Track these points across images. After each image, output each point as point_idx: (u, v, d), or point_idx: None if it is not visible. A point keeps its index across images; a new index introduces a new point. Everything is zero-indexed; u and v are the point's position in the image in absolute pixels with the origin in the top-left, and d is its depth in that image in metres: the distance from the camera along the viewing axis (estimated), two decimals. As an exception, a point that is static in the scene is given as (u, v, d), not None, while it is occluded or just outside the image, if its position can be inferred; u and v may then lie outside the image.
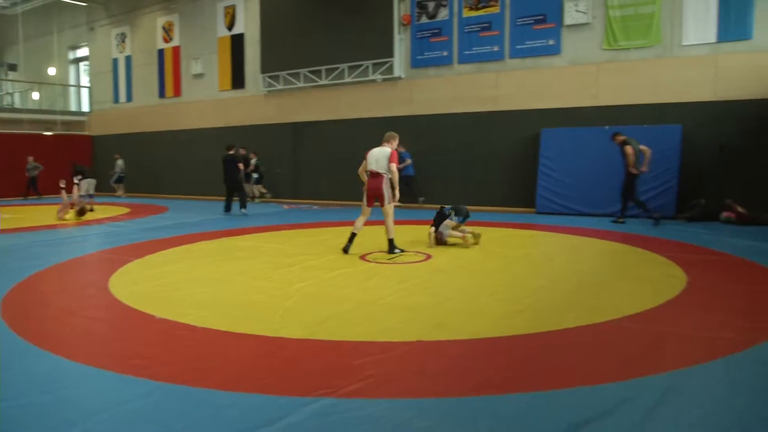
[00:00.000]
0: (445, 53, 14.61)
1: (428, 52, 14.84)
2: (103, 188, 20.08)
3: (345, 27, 15.70)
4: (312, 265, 6.88)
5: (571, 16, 12.94)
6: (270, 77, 17.34)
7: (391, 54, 15.07)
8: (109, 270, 6.68)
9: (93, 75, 22.96)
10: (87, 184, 13.96)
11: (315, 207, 15.69)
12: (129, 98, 21.55)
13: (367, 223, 8.13)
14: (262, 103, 17.78)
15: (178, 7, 19.73)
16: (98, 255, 7.95)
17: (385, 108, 15.53)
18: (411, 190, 14.58)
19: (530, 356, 3.76)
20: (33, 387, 3.28)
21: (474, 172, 14.19)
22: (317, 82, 16.45)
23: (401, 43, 15.14)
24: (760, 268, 6.52)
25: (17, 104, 23.72)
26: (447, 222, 8.52)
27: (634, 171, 10.68)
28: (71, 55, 24.06)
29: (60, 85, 23.94)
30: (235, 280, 6.12)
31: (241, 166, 13.42)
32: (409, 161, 14.52)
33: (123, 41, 21.51)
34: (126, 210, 14.97)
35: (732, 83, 11.41)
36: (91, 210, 13.89)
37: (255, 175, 17.35)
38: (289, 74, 16.94)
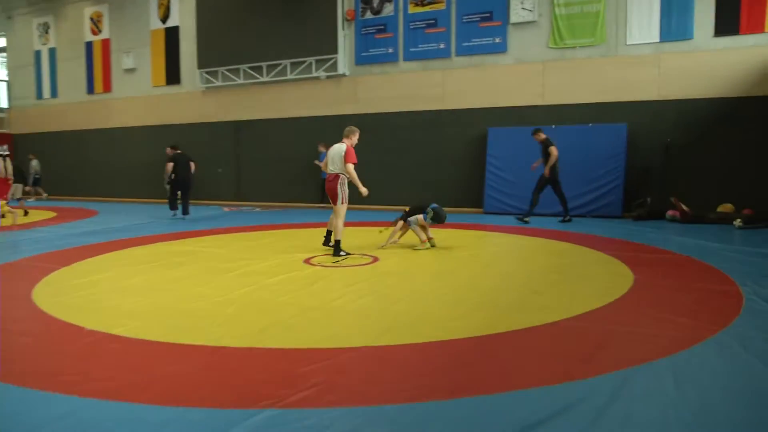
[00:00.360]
0: (390, 50, 14.69)
1: (373, 48, 14.89)
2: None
3: (287, 22, 15.58)
4: (254, 270, 6.79)
5: (517, 14, 13.23)
6: (208, 73, 17.03)
7: (335, 50, 15.04)
8: (33, 279, 6.40)
9: (12, 68, 21.94)
10: (13, 188, 13.55)
11: (257, 209, 15.49)
12: (54, 94, 20.73)
13: (314, 225, 8.07)
14: (200, 100, 17.44)
15: (108, -3, 19.15)
16: (21, 263, 7.61)
17: (330, 106, 15.49)
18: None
19: (480, 359, 3.81)
20: (-53, 408, 3.11)
21: (421, 172, 14.32)
22: (258, 78, 16.26)
23: (345, 39, 15.14)
24: (705, 266, 6.81)
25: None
26: (418, 217, 8.34)
27: (547, 173, 11.05)
28: (-14, 47, 23.03)
29: (-25, 80, 22.86)
30: (172, 287, 5.97)
31: (193, 165, 13.16)
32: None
33: (46, 32, 20.66)
34: (52, 214, 14.40)
35: (675, 82, 11.92)
36: (26, 214, 13.54)
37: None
38: (228, 70, 16.68)
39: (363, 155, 14.83)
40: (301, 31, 15.44)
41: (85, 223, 12.35)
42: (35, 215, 14.03)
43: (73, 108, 20.13)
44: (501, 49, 13.50)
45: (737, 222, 10.19)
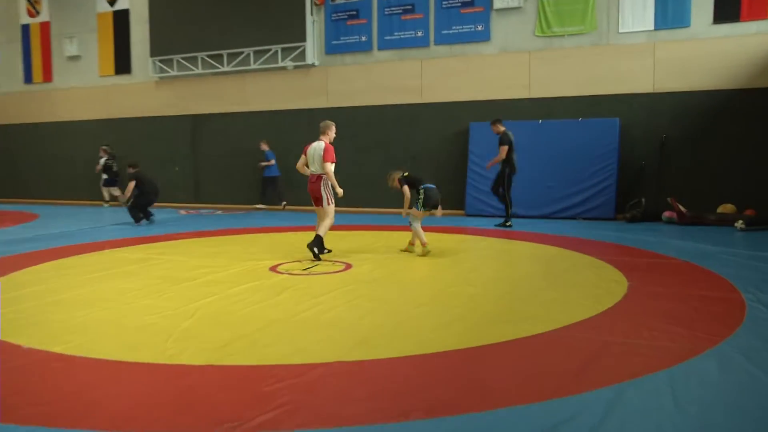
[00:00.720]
0: (363, 38, 14.71)
1: (345, 36, 14.89)
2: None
3: (250, 5, 15.52)
4: (214, 280, 6.73)
5: (501, -1, 13.35)
6: (162, 62, 16.86)
7: (303, 38, 15.01)
8: (-37, 291, 6.26)
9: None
10: None
11: (218, 212, 15.37)
12: (-15, 84, 20.33)
13: (282, 229, 8.03)
14: (153, 91, 17.26)
15: (47, -24, 18.85)
16: (-50, 273, 7.44)
17: (298, 99, 15.45)
18: (275, 192, 15.37)
19: (461, 374, 3.81)
20: None
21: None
22: (218, 68, 16.15)
23: (314, 25, 15.11)
24: (704, 271, 6.92)
25: None
26: (413, 212, 8.19)
27: (490, 165, 11.23)
28: None
29: None
30: (122, 299, 5.89)
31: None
32: (273, 161, 15.15)
33: (-26, 13, 20.25)
34: (-15, 219, 14.12)
35: (671, 73, 12.12)
36: None
37: (104, 176, 17.04)
38: (184, 59, 16.53)
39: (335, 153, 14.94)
40: (265, 17, 15.37)
41: (23, 228, 12.12)
42: (-33, 220, 13.75)
43: (8, 99, 19.70)
44: (484, 37, 13.59)
45: (739, 224, 10.38)
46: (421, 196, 8.15)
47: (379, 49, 14.61)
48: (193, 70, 16.49)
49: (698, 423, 3.07)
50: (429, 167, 13.94)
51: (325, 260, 7.89)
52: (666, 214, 11.58)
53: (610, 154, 12.23)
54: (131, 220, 12.50)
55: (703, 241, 9.15)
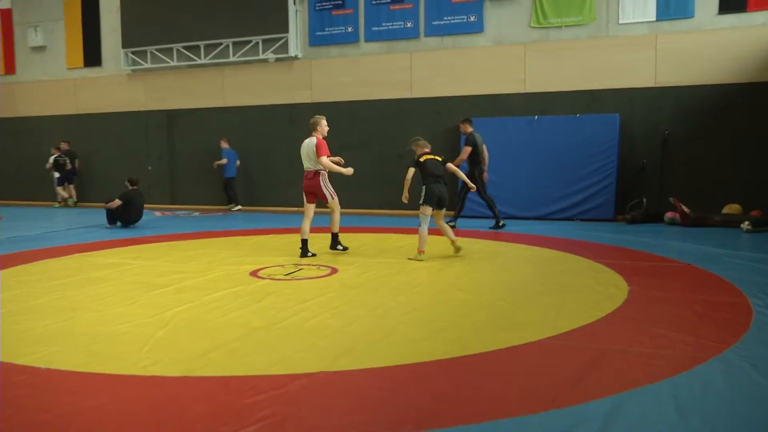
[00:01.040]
0: (349, 29, 14.71)
1: (330, 27, 14.89)
2: None
3: (228, -6, 15.49)
4: (191, 285, 6.71)
5: (495, -13, 13.39)
6: (135, 53, 16.78)
7: (285, 29, 14.98)
8: None
9: None
10: None
11: (196, 213, 15.31)
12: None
13: (263, 231, 8.02)
14: (126, 85, 17.18)
15: (10, -40, 18.72)
16: None
17: (280, 93, 15.43)
18: (226, 194, 15.57)
19: (453, 385, 3.81)
20: None
21: (384, 170, 14.33)
22: (195, 61, 16.10)
23: (297, 15, 15.10)
24: (708, 275, 6.98)
25: None
26: (421, 209, 8.19)
27: (450, 167, 11.23)
28: None
29: None
30: (92, 307, 5.85)
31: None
32: (225, 160, 15.34)
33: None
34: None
35: (673, 66, 12.20)
36: None
37: (56, 174, 17.08)
38: (159, 50, 16.47)
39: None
40: (245, 6, 15.33)
41: (-13, 231, 12.03)
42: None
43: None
44: (477, 28, 13.63)
45: (745, 225, 10.46)
46: (423, 192, 8.23)
47: (366, 40, 14.62)
48: (167, 62, 16.41)
49: (702, 435, 3.10)
50: (419, 166, 13.98)
51: (310, 264, 7.90)
52: (668, 214, 11.65)
53: (610, 152, 12.30)
54: (103, 222, 12.44)
55: (707, 243, 9.22)
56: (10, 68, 18.82)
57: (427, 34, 14.07)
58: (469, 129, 11.41)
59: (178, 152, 16.72)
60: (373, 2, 14.42)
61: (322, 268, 7.69)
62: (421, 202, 8.25)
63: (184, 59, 16.27)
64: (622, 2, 12.54)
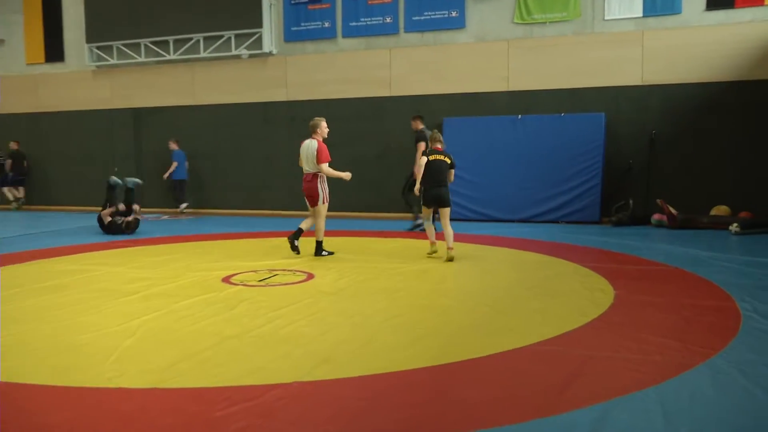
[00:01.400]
0: (326, 24, 14.70)
1: (306, 22, 14.87)
2: None
3: (199, -13, 15.42)
4: (159, 292, 6.66)
5: (477, -18, 13.46)
6: (100, 48, 16.64)
7: (259, 24, 14.94)
8: None
9: None
10: None
11: (165, 217, 15.21)
12: None
13: (235, 236, 7.99)
14: (90, 81, 17.02)
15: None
16: None
17: (253, 91, 15.38)
18: (175, 195, 15.68)
19: (435, 394, 3.82)
20: None
21: (362, 171, 14.25)
22: (164, 56, 16.00)
23: (272, 9, 15.06)
24: (696, 278, 7.06)
25: None
26: (423, 210, 8.90)
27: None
28: None
29: None
30: (53, 316, 5.79)
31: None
32: (175, 165, 15.36)
33: None
34: None
35: (661, 64, 12.33)
36: None
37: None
38: (125, 45, 16.34)
39: (294, 150, 14.72)
40: (216, -1, 15.30)
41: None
42: None
43: None
44: (458, 24, 13.69)
45: (734, 227, 10.59)
46: (421, 195, 8.81)
47: (344, 36, 14.61)
48: (135, 58, 16.29)
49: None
50: (398, 166, 13.96)
51: (285, 270, 7.87)
52: (655, 217, 11.76)
53: (595, 152, 12.39)
54: (60, 228, 12.36)
55: (695, 245, 9.32)
56: (-36, 64, 18.57)
57: (407, 30, 14.10)
58: (420, 125, 11.57)
59: (146, 152, 16.59)
60: (351, -4, 14.44)
61: (297, 273, 7.67)
62: (422, 203, 8.90)
63: (153, 55, 16.15)
64: (607, -2, 12.68)
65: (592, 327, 5.16)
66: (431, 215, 8.91)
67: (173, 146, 15.49)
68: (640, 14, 12.46)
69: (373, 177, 14.19)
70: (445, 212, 8.67)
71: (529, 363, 4.35)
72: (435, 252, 8.77)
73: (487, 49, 13.47)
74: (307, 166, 8.91)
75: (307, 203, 9.05)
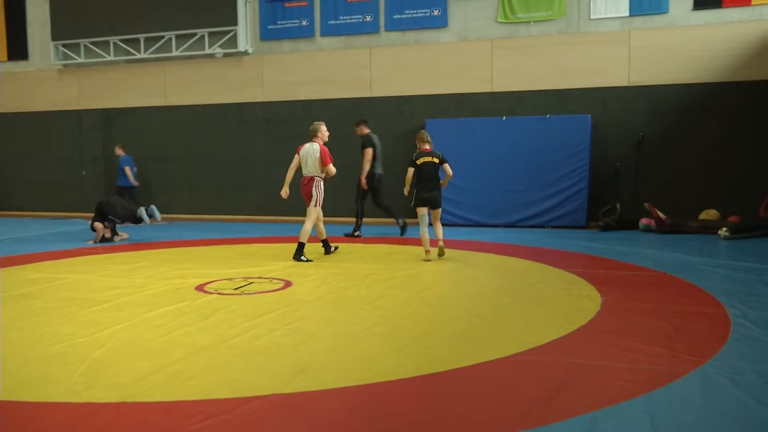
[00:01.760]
0: (304, 22, 14.69)
1: (283, 20, 14.85)
2: None
3: (171, -17, 15.36)
4: (130, 301, 6.62)
5: (459, -21, 13.52)
6: (66, 46, 16.51)
7: (234, 21, 14.90)
8: None
9: None
10: None
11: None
12: None
13: (211, 242, 7.96)
14: (56, 81, 16.88)
15: None
16: None
17: (228, 92, 15.33)
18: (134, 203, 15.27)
19: (417, 405, 3.83)
20: None
21: (343, 175, 14.20)
22: (134, 55, 15.91)
23: (248, 6, 15.03)
24: (685, 284, 7.13)
25: None
26: (418, 212, 9.14)
27: (364, 183, 11.75)
28: None
29: None
30: (18, 326, 5.73)
31: None
32: (129, 168, 15.26)
33: None
34: None
35: (648, 65, 12.45)
36: None
37: None
38: (93, 43, 16.22)
39: (271, 152, 14.90)
40: (189, -4, 15.25)
41: None
42: None
43: None
44: (441, 23, 13.74)
45: (723, 231, 10.70)
46: (414, 196, 9.22)
47: (323, 35, 14.61)
48: (103, 57, 16.18)
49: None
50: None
51: (262, 278, 7.85)
52: (643, 221, 11.85)
53: (581, 155, 12.47)
54: (25, 234, 12.24)
55: (683, 251, 9.42)
56: None
57: (387, 29, 14.13)
58: (366, 130, 11.79)
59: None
60: (330, -7, 14.45)
61: (274, 281, 7.65)
62: (412, 205, 9.25)
63: (122, 53, 16.05)
64: (593, -4, 12.79)
65: (579, 335, 5.19)
66: (426, 216, 9.16)
67: (119, 151, 15.33)
68: (627, 13, 12.56)
69: (353, 181, 14.14)
70: (436, 214, 9.22)
71: (513, 373, 4.37)
72: (429, 261, 8.96)
73: (471, 49, 13.53)
74: (308, 169, 9.27)
75: (307, 204, 9.42)
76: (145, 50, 15.80)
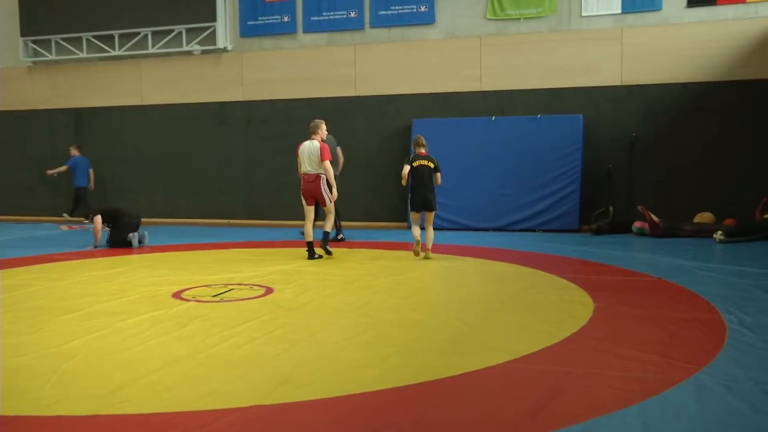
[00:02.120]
0: (286, 18, 14.68)
1: (263, 16, 14.84)
2: None
3: (146, -23, 15.32)
4: (103, 310, 6.58)
5: (447, -26, 13.55)
6: (36, 43, 16.43)
7: (212, 17, 14.88)
8: None
9: None
10: None
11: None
12: None
13: (188, 247, 7.93)
14: (25, 79, 16.78)
15: None
16: None
17: (206, 90, 15.30)
18: (76, 205, 15.59)
19: (403, 417, 3.82)
20: None
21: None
22: (108, 52, 15.85)
23: (227, 2, 15.01)
24: (679, 289, 7.17)
25: None
26: (411, 215, 9.51)
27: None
28: None
29: None
30: (-15, 335, 5.69)
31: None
32: (65, 168, 15.31)
33: None
34: None
35: (641, 63, 12.54)
36: None
37: None
38: (65, 40, 16.15)
39: (251, 153, 14.88)
40: (166, -9, 15.21)
41: None
42: None
43: None
44: (428, 19, 13.76)
45: (718, 235, 10.76)
46: (409, 199, 9.59)
47: (305, 31, 14.60)
48: (76, 54, 16.11)
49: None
50: (364, 172, 14.00)
51: (242, 284, 7.83)
52: (636, 224, 11.91)
53: (573, 156, 12.53)
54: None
55: (678, 255, 9.47)
56: None
57: (373, 25, 14.14)
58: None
59: (89, 157, 16.37)
60: (312, -11, 14.45)
61: (255, 288, 7.62)
62: (409, 208, 9.67)
63: (96, 50, 15.99)
64: (585, -8, 12.86)
65: (571, 342, 5.20)
66: (419, 219, 9.48)
67: (74, 152, 15.38)
68: (619, 11, 12.64)
69: (338, 183, 14.13)
70: (430, 216, 9.50)
71: (504, 382, 4.37)
72: (418, 254, 9.34)
73: (459, 47, 13.56)
74: (309, 166, 9.60)
75: (304, 202, 9.73)
76: (120, 47, 15.74)
